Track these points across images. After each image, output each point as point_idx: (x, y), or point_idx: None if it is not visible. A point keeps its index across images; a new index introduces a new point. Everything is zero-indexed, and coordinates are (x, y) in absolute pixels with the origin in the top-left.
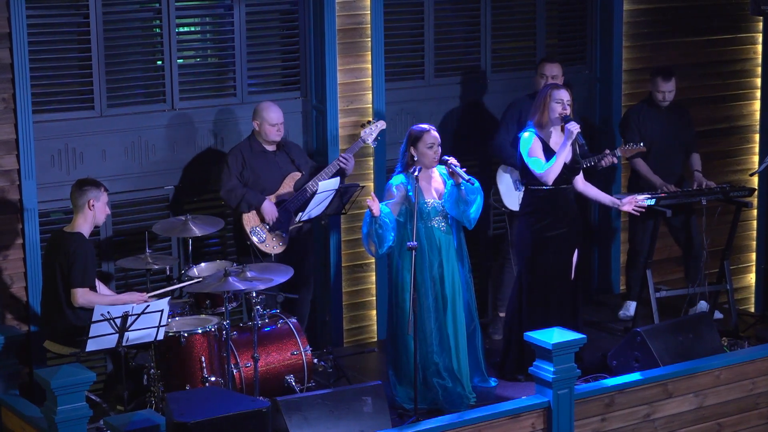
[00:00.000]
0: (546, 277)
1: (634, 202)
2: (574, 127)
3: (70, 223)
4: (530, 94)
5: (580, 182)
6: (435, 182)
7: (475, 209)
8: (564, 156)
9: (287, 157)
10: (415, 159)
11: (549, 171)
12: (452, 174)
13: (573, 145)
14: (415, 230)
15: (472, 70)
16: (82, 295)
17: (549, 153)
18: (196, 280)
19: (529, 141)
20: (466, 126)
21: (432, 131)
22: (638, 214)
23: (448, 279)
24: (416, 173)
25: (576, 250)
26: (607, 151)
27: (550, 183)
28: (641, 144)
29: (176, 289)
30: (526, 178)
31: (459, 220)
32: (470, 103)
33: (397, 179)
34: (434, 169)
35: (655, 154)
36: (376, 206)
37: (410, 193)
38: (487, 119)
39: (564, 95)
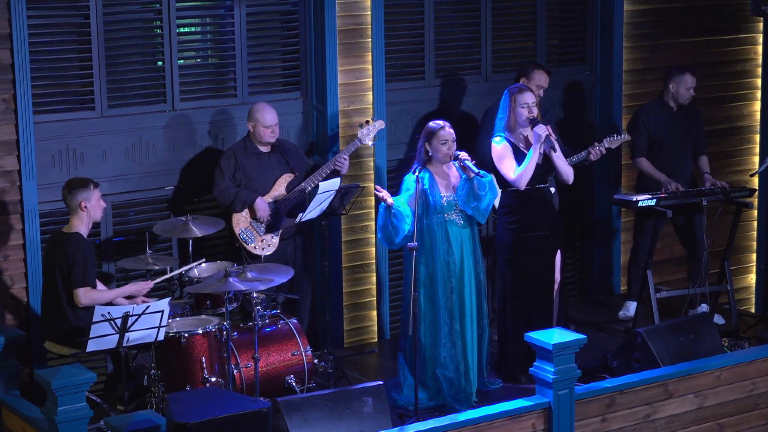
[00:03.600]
0: (527, 278)
1: (595, 148)
2: (542, 130)
3: (68, 224)
4: None
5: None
6: (453, 178)
7: (486, 203)
8: (534, 160)
9: (281, 158)
10: (430, 154)
11: (520, 176)
12: (464, 168)
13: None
14: (416, 230)
15: (473, 70)
16: (84, 295)
17: (519, 156)
18: (199, 262)
19: (497, 146)
20: (467, 126)
21: (447, 128)
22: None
23: (467, 274)
24: (416, 173)
25: (558, 252)
26: (596, 144)
27: (523, 188)
28: (625, 135)
29: (181, 272)
30: (501, 181)
31: (471, 214)
32: (471, 104)
33: (414, 175)
34: (452, 165)
35: (664, 155)
36: (386, 195)
37: (425, 187)
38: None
39: (528, 98)
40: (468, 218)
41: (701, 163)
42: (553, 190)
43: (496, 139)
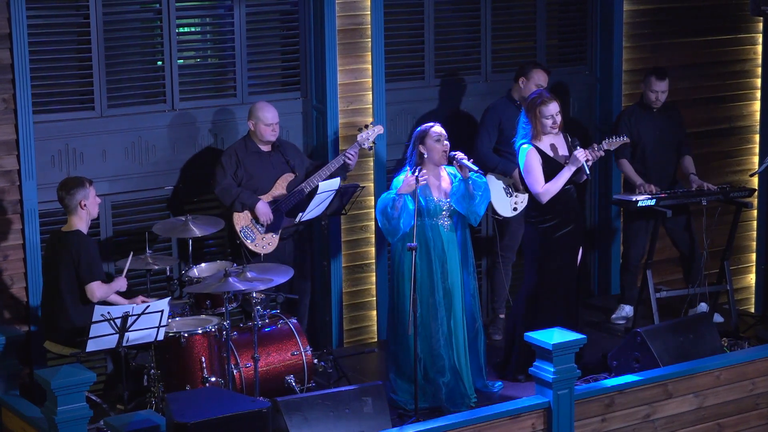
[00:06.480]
0: (554, 278)
1: (594, 150)
2: (582, 156)
3: (66, 224)
4: (507, 96)
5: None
6: (444, 181)
7: (480, 203)
8: (564, 181)
9: (282, 157)
10: (425, 156)
11: (545, 192)
12: (460, 168)
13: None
14: (416, 231)
15: (472, 70)
16: (98, 288)
17: (547, 162)
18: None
19: (526, 155)
20: (466, 127)
21: (437, 125)
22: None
23: (450, 277)
24: (416, 174)
25: (580, 248)
26: (595, 146)
27: (544, 202)
28: (624, 137)
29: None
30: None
31: (465, 215)
32: (470, 104)
33: (405, 174)
34: (443, 168)
35: (647, 156)
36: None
37: (417, 190)
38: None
39: (553, 109)
40: (456, 222)
41: (685, 164)
42: None
43: (524, 145)
